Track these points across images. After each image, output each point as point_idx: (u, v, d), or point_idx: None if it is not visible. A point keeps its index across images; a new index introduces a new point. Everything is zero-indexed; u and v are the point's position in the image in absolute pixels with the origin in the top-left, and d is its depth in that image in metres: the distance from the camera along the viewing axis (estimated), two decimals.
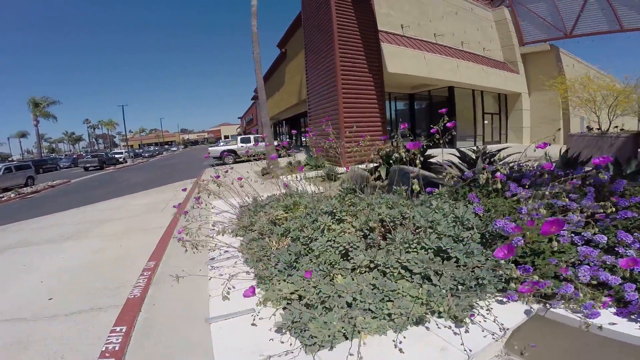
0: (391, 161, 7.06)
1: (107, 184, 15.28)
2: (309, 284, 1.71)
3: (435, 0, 14.06)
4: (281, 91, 24.78)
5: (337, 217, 2.42)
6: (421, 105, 18.72)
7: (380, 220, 2.43)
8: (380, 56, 10.27)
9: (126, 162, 32.57)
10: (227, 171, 4.19)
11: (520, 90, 18.10)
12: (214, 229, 3.39)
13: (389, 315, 1.51)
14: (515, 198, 2.69)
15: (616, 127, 10.34)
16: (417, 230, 2.22)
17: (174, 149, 73.66)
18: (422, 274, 1.73)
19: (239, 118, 64.98)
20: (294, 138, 28.38)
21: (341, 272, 1.80)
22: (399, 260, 1.79)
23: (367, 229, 2.35)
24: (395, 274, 1.77)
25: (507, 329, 1.54)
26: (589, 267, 1.83)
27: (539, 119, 18.48)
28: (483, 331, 1.52)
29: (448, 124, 2.94)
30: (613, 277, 1.75)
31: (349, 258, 1.94)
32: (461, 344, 1.40)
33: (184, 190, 5.11)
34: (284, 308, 1.75)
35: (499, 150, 5.27)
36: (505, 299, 1.77)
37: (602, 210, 2.37)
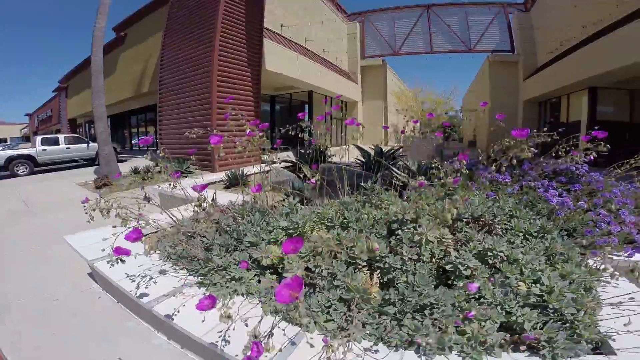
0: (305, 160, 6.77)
1: None
2: None
3: (309, 6, 14.77)
4: (108, 82, 19.86)
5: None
6: (280, 107, 19.25)
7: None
8: (261, 52, 9.85)
9: None
10: None
11: (358, 98, 21.56)
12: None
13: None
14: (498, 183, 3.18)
15: (431, 130, 13.99)
16: (493, 220, 2.25)
17: None
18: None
19: (26, 115, 47.80)
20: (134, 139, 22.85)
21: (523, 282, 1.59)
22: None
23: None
24: None
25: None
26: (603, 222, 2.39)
27: (369, 124, 22.65)
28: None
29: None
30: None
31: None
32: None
33: None
34: None
35: (392, 149, 6.38)
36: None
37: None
